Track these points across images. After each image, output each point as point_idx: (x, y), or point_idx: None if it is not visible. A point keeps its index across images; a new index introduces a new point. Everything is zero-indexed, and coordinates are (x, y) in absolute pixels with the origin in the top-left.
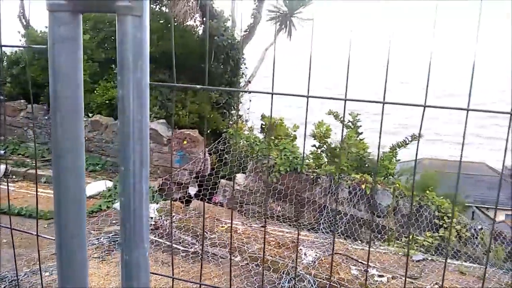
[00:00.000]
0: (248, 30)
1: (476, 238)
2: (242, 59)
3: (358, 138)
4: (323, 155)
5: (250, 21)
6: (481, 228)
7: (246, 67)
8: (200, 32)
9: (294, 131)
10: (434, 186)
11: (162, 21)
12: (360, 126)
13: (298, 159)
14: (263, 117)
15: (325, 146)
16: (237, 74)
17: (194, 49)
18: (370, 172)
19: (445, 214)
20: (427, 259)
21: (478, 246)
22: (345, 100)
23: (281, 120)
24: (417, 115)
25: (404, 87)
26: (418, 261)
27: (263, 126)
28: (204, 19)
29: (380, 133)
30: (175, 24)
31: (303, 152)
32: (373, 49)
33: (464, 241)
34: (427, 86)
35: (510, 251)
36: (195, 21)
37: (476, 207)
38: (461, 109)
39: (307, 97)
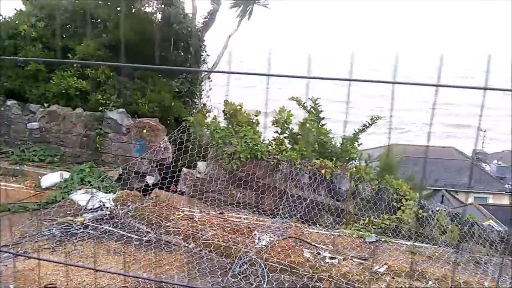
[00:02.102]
0: (208, 16)
1: (433, 219)
2: (203, 47)
3: (320, 124)
4: (286, 141)
5: (210, 7)
6: (438, 210)
7: (207, 55)
8: (159, 19)
9: (256, 115)
10: (395, 171)
11: (118, 8)
12: (322, 111)
13: (259, 145)
14: (225, 103)
15: (287, 132)
16: (198, 62)
17: (152, 36)
18: (332, 157)
19: (403, 197)
20: (380, 240)
21: (435, 227)
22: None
23: (240, 106)
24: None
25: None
26: (371, 242)
27: (225, 112)
28: (163, 5)
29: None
30: (132, 11)
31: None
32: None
33: (421, 223)
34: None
35: (466, 231)
36: (153, 8)
37: (446, 190)
38: (429, 85)
39: (268, 75)
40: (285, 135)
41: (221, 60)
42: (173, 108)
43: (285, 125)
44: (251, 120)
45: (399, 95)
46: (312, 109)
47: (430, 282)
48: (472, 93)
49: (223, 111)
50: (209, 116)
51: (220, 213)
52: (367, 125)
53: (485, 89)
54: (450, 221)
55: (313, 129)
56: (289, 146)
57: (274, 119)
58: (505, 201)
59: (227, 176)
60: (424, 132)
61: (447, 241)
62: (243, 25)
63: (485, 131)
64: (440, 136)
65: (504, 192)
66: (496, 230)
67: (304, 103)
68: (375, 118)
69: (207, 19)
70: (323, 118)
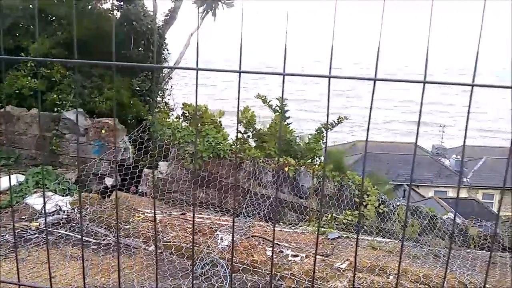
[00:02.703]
0: (169, 14)
1: (394, 214)
2: (164, 45)
3: (286, 123)
4: (250, 140)
5: (171, 4)
6: (398, 205)
7: (169, 53)
8: (118, 16)
9: (220, 117)
10: (342, 165)
11: (75, 4)
12: (288, 110)
13: (221, 144)
14: (184, 105)
15: (250, 131)
16: (160, 60)
17: (111, 34)
18: (297, 155)
19: (364, 192)
20: (342, 236)
21: (396, 221)
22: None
23: (205, 107)
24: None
25: (356, 67)
26: (334, 239)
27: (186, 115)
28: (121, 2)
29: (327, 110)
30: (89, 8)
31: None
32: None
33: (382, 217)
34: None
35: (426, 225)
36: (111, 5)
37: (407, 185)
38: (416, 81)
39: (239, 72)
40: (250, 133)
41: (182, 58)
42: (132, 107)
43: (250, 124)
44: (213, 119)
45: (362, 93)
46: (278, 108)
47: (391, 277)
48: (431, 91)
49: (183, 114)
50: (172, 115)
51: (182, 214)
52: (334, 124)
53: (483, 86)
54: (410, 215)
55: (279, 128)
56: (254, 144)
57: (240, 118)
58: (463, 194)
59: (189, 176)
60: (387, 129)
61: (408, 235)
62: (206, 22)
63: (444, 126)
64: (402, 133)
65: (463, 185)
66: (455, 222)
67: (269, 101)
68: (341, 118)
69: (168, 16)
70: (288, 117)
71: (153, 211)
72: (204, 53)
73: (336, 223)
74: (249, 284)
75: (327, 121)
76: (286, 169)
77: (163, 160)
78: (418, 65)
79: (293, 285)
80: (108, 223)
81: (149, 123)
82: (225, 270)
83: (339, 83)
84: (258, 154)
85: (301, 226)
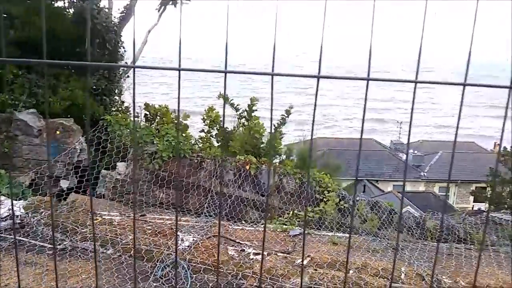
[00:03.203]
0: (125, 11)
1: (354, 209)
2: (120, 42)
3: (251, 122)
4: (213, 139)
5: (127, 1)
6: (358, 200)
7: (125, 50)
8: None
9: (185, 120)
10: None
11: (28, 1)
12: (255, 110)
13: (181, 144)
14: (146, 106)
15: (215, 130)
16: (116, 58)
17: (65, 32)
18: (261, 153)
19: (325, 189)
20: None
21: (356, 216)
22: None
23: (166, 108)
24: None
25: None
26: (295, 235)
27: (147, 116)
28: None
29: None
30: (41, 5)
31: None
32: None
33: (343, 213)
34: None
35: (385, 219)
36: (64, 2)
37: (367, 180)
38: (408, 81)
39: (225, 72)
40: (214, 132)
41: (140, 56)
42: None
43: (214, 124)
44: (173, 121)
45: (321, 91)
46: (239, 107)
47: (351, 271)
48: (388, 88)
49: (145, 115)
50: (130, 114)
51: (142, 215)
52: (284, 118)
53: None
54: (370, 209)
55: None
56: (217, 144)
57: (203, 117)
58: (421, 187)
59: (149, 176)
60: (347, 127)
61: (368, 230)
62: (164, 19)
63: (401, 123)
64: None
65: (420, 179)
66: (413, 216)
67: (231, 100)
68: (288, 111)
69: (124, 13)
70: (258, 117)
71: (111, 214)
72: (162, 51)
73: (297, 219)
74: (210, 284)
75: (313, 121)
76: (247, 167)
77: (121, 161)
78: (377, 61)
79: (255, 284)
80: (64, 227)
81: (106, 123)
82: (186, 271)
83: (300, 81)
84: (219, 153)
85: (262, 224)
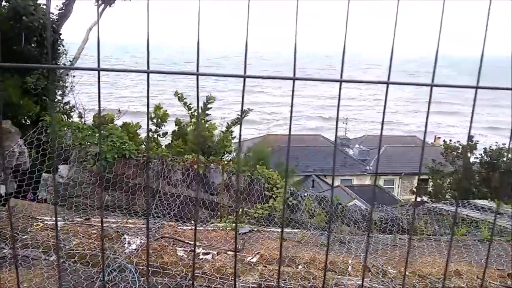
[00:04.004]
0: (63, 8)
1: (302, 204)
2: (59, 40)
3: (203, 121)
4: (162, 138)
5: None
6: (306, 195)
7: (65, 49)
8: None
9: (114, 118)
10: (266, 160)
11: None
12: (209, 108)
13: (127, 144)
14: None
15: (162, 128)
16: (55, 56)
17: None
18: (211, 152)
19: (274, 185)
20: (253, 230)
21: (304, 211)
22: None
23: (119, 113)
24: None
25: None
26: (245, 233)
27: (94, 121)
28: None
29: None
30: None
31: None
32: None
33: (292, 209)
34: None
35: (333, 213)
36: None
37: (316, 175)
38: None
39: (147, 72)
40: (163, 131)
41: (81, 54)
42: (26, 107)
43: (162, 122)
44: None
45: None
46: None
47: (300, 266)
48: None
49: (93, 120)
50: (73, 115)
51: (86, 219)
52: (239, 118)
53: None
54: (318, 204)
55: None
56: (164, 143)
57: (150, 116)
58: (367, 181)
59: (93, 178)
60: (294, 125)
61: (316, 224)
62: (105, 16)
63: (346, 119)
64: (309, 128)
65: (366, 173)
66: (359, 209)
67: (184, 99)
68: (246, 112)
69: (63, 10)
70: (209, 115)
71: (53, 219)
72: (106, 48)
73: (247, 217)
74: (159, 286)
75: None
76: (195, 166)
77: (63, 163)
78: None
79: (205, 284)
80: (3, 234)
81: (46, 125)
82: (133, 274)
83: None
84: (167, 153)
85: (212, 223)
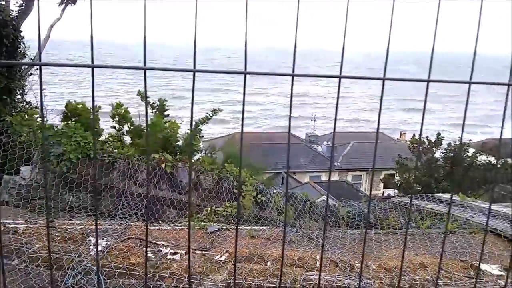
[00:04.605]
0: (24, 4)
1: (271, 201)
2: (20, 38)
3: (164, 120)
4: (124, 137)
5: None
6: (275, 192)
7: (25, 46)
8: None
9: (96, 111)
10: (237, 158)
11: None
12: (167, 108)
13: (91, 144)
14: (67, 105)
15: (126, 127)
16: (15, 54)
17: None
18: (177, 151)
19: (243, 183)
20: (222, 228)
21: (273, 208)
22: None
23: (82, 104)
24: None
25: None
26: (213, 232)
27: (67, 114)
28: None
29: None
30: None
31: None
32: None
33: (261, 206)
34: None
35: (301, 209)
36: None
37: (285, 172)
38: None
39: (92, 67)
40: (125, 130)
41: (43, 52)
42: None
43: (124, 120)
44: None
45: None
46: (157, 107)
47: (268, 264)
48: (303, 84)
49: (63, 113)
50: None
51: (50, 221)
52: (208, 117)
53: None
54: (286, 201)
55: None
56: (129, 142)
57: (111, 113)
58: (335, 177)
59: (57, 179)
60: (264, 123)
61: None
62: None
63: (315, 115)
64: (279, 126)
65: (334, 169)
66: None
67: (148, 97)
68: (215, 111)
69: (23, 7)
70: (167, 115)
71: (16, 222)
72: (68, 45)
73: (216, 216)
74: None
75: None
76: (163, 165)
77: (25, 165)
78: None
79: (173, 284)
80: None
81: (6, 125)
82: (99, 277)
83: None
84: (133, 152)
85: (180, 222)
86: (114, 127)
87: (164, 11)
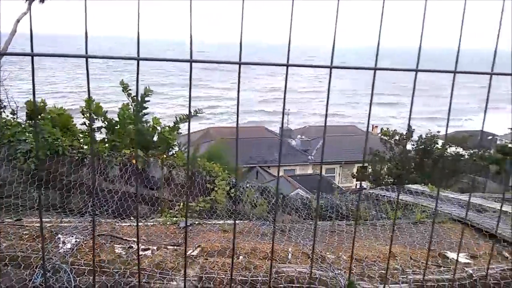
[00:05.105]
0: None
1: (244, 195)
2: None
3: (142, 113)
4: (97, 133)
5: None
6: (248, 186)
7: None
8: None
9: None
10: (221, 155)
11: None
12: (148, 101)
13: (59, 140)
14: (27, 103)
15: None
16: None
17: None
18: (151, 146)
19: (215, 178)
20: (194, 223)
21: (246, 202)
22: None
23: (43, 102)
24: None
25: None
26: (185, 227)
27: (28, 112)
28: None
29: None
30: None
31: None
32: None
33: (234, 200)
34: None
35: (274, 203)
36: None
37: (260, 166)
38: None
39: (86, 57)
40: (98, 126)
41: (9, 47)
42: None
43: (95, 116)
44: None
45: (211, 83)
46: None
47: (241, 257)
48: (276, 79)
49: (26, 113)
50: (3, 111)
51: (17, 220)
52: (192, 115)
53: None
54: (260, 195)
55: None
56: (100, 138)
57: (81, 108)
58: (309, 170)
59: (24, 177)
60: (239, 118)
61: (258, 215)
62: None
63: (289, 110)
64: (253, 122)
65: (308, 163)
66: (300, 198)
67: (129, 89)
68: (197, 111)
69: None
70: (146, 108)
71: None
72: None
73: (189, 211)
74: (96, 286)
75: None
76: (134, 161)
77: None
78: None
79: (144, 280)
80: None
81: None
82: (68, 275)
83: (187, 72)
84: (103, 148)
85: (152, 218)
86: (84, 123)
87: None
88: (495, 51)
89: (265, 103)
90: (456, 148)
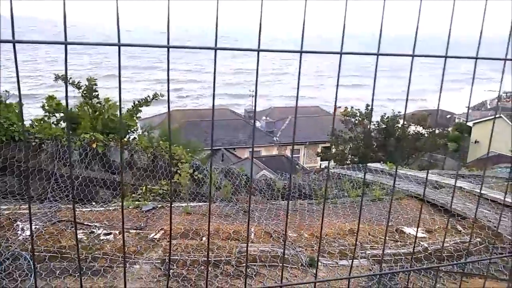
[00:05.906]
0: None
1: (208, 178)
2: None
3: (95, 101)
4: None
5: None
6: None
7: None
8: None
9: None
10: (177, 137)
11: None
12: (96, 90)
13: (15, 126)
14: None
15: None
16: None
17: None
18: (111, 131)
19: (178, 161)
20: (157, 207)
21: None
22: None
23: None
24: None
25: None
26: (148, 210)
27: None
28: None
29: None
30: None
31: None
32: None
33: (198, 183)
34: None
35: (238, 184)
36: None
37: (225, 149)
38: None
39: (65, 43)
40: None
41: None
42: None
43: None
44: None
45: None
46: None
47: (204, 238)
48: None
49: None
50: None
51: None
52: (148, 100)
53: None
54: (224, 177)
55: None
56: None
57: (43, 103)
58: (274, 151)
59: None
60: (203, 101)
61: (222, 197)
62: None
63: (253, 91)
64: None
65: (273, 144)
66: (264, 179)
67: (79, 82)
68: (156, 95)
69: None
70: (97, 96)
71: None
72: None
73: (152, 194)
74: (57, 272)
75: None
76: (94, 145)
77: None
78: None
79: (106, 264)
80: None
81: None
82: (28, 261)
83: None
84: (61, 133)
85: (114, 202)
86: (43, 118)
87: None
88: (449, 35)
89: (229, 86)
90: (415, 127)
